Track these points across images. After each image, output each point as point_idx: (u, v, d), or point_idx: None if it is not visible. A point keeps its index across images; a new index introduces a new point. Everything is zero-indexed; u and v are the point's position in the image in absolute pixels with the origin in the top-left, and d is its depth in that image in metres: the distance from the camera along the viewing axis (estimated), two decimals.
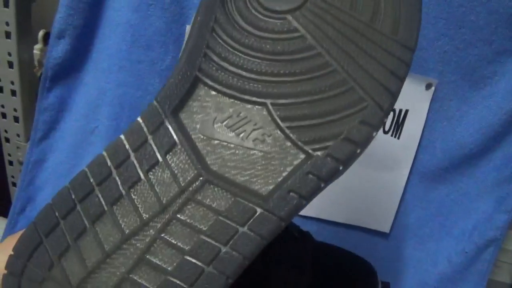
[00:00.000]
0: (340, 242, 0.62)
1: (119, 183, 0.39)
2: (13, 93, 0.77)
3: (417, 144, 0.66)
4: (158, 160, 0.38)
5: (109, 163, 0.39)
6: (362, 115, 0.37)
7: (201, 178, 0.38)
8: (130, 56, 0.64)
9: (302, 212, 0.68)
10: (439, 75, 0.63)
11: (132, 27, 0.63)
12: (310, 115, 0.37)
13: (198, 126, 0.39)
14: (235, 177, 0.38)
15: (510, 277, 0.72)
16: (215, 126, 0.39)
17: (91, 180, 0.39)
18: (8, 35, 0.73)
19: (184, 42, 0.41)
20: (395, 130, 0.65)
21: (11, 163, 0.84)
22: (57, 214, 0.39)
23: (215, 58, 0.39)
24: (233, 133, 0.38)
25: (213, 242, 0.37)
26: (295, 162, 0.38)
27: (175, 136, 0.38)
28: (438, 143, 0.65)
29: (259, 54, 0.39)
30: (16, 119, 0.79)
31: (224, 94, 0.39)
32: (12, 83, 0.76)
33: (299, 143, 0.37)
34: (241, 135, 0.38)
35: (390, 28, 0.38)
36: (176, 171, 0.38)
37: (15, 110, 0.78)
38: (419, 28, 0.39)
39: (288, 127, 0.38)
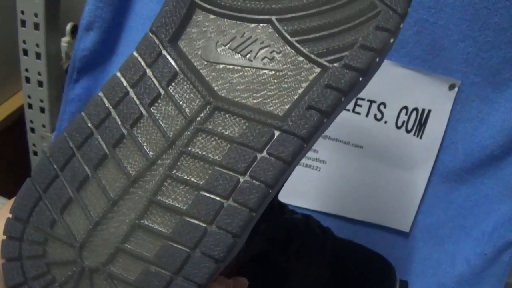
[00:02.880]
0: (359, 239, 0.62)
1: (119, 122, 0.36)
2: (40, 84, 0.78)
3: (439, 144, 0.66)
4: (160, 93, 0.36)
5: (106, 103, 0.36)
6: (377, 21, 0.35)
7: (209, 106, 0.35)
8: None
9: (322, 209, 0.69)
10: (462, 76, 0.63)
11: None
12: (320, 26, 0.35)
13: (199, 52, 0.37)
14: (246, 100, 0.36)
15: None
16: (219, 50, 0.36)
17: (89, 123, 0.36)
18: (36, 26, 0.74)
19: None
20: (417, 130, 0.65)
21: (35, 153, 0.85)
22: (55, 165, 0.36)
23: None
24: (239, 55, 0.36)
25: (230, 172, 0.34)
26: (311, 77, 0.35)
27: (175, 66, 0.36)
28: (460, 144, 0.65)
29: None
30: (42, 110, 0.80)
31: (224, 16, 0.37)
32: (39, 74, 0.77)
33: (313, 56, 0.35)
34: (248, 55, 0.36)
35: None
36: (181, 102, 0.36)
37: (41, 100, 0.79)
38: None
39: (298, 41, 0.35)
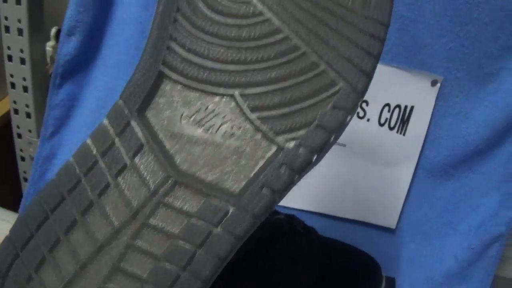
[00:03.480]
0: (345, 238, 0.62)
1: (88, 190, 0.37)
2: (25, 89, 0.78)
3: (422, 140, 0.66)
4: (126, 164, 0.36)
5: (77, 170, 0.37)
6: (335, 99, 0.35)
7: (171, 180, 0.36)
8: (139, 53, 0.65)
9: (307, 208, 0.69)
10: (445, 71, 0.63)
11: (141, 24, 0.64)
12: (280, 103, 0.36)
13: (165, 123, 0.37)
14: (205, 175, 0.36)
15: None
16: (183, 122, 0.37)
17: (61, 189, 0.37)
18: (20, 32, 0.74)
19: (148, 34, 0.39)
20: (400, 127, 0.65)
21: (23, 158, 0.85)
22: (30, 227, 0.37)
23: (179, 50, 0.37)
24: (202, 128, 0.36)
25: (186, 245, 0.35)
26: (267, 155, 0.36)
27: (142, 137, 0.36)
28: (443, 139, 0.65)
29: (225, 42, 0.37)
30: (28, 115, 0.80)
31: (190, 87, 0.37)
32: (24, 79, 0.77)
33: (270, 134, 0.36)
34: (210, 129, 0.36)
35: (361, 3, 0.36)
36: (145, 174, 0.36)
37: (27, 106, 0.79)
38: (392, 2, 0.37)
39: (258, 118, 0.36)
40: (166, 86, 0.38)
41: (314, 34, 0.36)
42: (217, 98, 0.37)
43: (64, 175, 0.37)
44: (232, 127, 0.36)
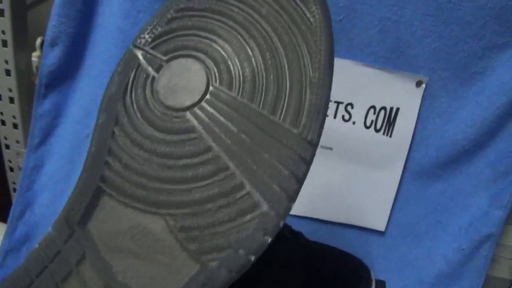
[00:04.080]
0: (335, 241, 0.62)
1: None
2: (11, 100, 0.77)
3: (409, 141, 0.65)
4: (71, 271, 0.38)
5: (27, 277, 0.39)
6: (258, 222, 0.35)
7: None
8: None
9: (295, 212, 0.69)
10: (430, 72, 0.63)
11: (122, 33, 0.64)
12: (205, 224, 0.36)
13: (104, 235, 0.38)
14: (138, 287, 0.37)
15: (510, 273, 0.72)
16: (119, 236, 0.37)
17: None
18: (4, 43, 0.74)
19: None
20: (386, 128, 0.65)
21: (11, 169, 0.85)
22: None
23: (116, 166, 0.38)
24: (136, 244, 0.37)
25: None
26: (191, 273, 0.36)
27: (84, 247, 0.38)
28: (430, 140, 0.65)
29: (158, 159, 0.37)
30: (15, 126, 0.79)
31: (125, 204, 0.38)
32: (10, 90, 0.77)
33: (195, 254, 0.36)
34: (144, 246, 0.37)
35: (292, 119, 0.36)
36: (88, 281, 0.38)
37: (13, 117, 0.79)
38: (323, 121, 0.36)
39: (185, 238, 0.36)
40: (105, 201, 0.39)
41: (244, 153, 0.36)
42: (149, 216, 0.38)
43: (16, 279, 0.40)
44: (162, 246, 0.37)
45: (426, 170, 0.66)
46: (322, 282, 0.57)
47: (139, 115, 0.38)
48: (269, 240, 0.35)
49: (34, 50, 0.83)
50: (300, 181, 0.35)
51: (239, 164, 0.36)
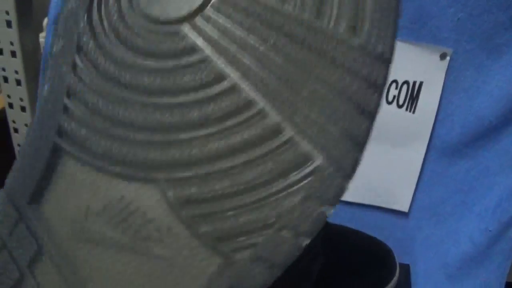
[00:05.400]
0: (357, 223, 0.60)
1: None
2: (18, 82, 0.76)
3: (433, 118, 0.63)
4: (23, 274, 0.27)
5: None
6: (309, 184, 0.24)
7: None
8: None
9: None
10: (454, 44, 0.60)
11: None
12: (225, 194, 0.24)
13: (66, 219, 0.26)
14: None
15: None
16: (90, 219, 0.26)
17: None
18: (9, 24, 0.72)
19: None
20: (409, 104, 0.63)
21: None
22: None
23: (80, 112, 0.26)
24: (116, 230, 0.26)
25: None
26: (209, 272, 0.25)
27: (36, 241, 0.27)
28: (455, 116, 0.63)
29: (144, 97, 0.25)
30: (23, 109, 0.78)
31: (98, 168, 0.26)
32: (17, 72, 0.75)
33: (211, 240, 0.25)
34: (128, 231, 0.25)
35: (348, 25, 0.24)
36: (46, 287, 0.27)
37: (21, 99, 0.77)
38: (395, 28, 0.26)
39: (192, 216, 0.25)
40: (65, 167, 0.27)
41: (277, 80, 0.24)
42: (134, 185, 0.26)
43: None
44: (158, 230, 0.25)
45: (450, 147, 0.64)
46: (344, 266, 0.55)
47: (112, 35, 0.26)
48: (329, 213, 0.25)
49: (41, 30, 0.81)
50: (371, 116, 0.24)
51: (272, 97, 0.24)
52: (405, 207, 0.67)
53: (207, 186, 0.25)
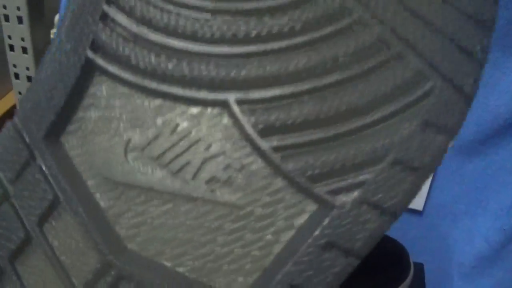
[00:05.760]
0: None
1: None
2: (29, 79, 0.76)
3: None
4: (29, 234, 0.21)
5: None
6: (426, 109, 0.20)
7: (110, 272, 0.20)
8: None
9: None
10: None
11: None
12: (318, 120, 0.19)
13: (96, 160, 0.21)
14: (174, 263, 0.20)
15: None
16: (130, 156, 0.20)
17: None
18: (20, 20, 0.72)
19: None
20: None
21: None
22: None
23: (122, 20, 0.20)
24: (167, 170, 0.20)
25: None
26: (298, 222, 0.20)
27: (51, 189, 0.21)
28: (470, 113, 0.61)
29: (207, 1, 0.19)
30: None
31: (144, 89, 0.21)
32: (28, 68, 0.75)
33: (303, 180, 0.20)
34: (184, 171, 0.20)
35: None
36: (64, 259, 0.21)
37: None
38: None
39: (275, 150, 0.20)
40: (99, 88, 0.21)
41: None
42: (195, 110, 0.20)
43: None
44: (226, 168, 0.20)
45: (465, 145, 0.63)
46: (358, 265, 0.54)
47: None
48: (451, 144, 0.22)
49: (52, 27, 0.81)
50: (487, 28, 0.21)
51: (379, 6, 0.19)
52: (419, 206, 0.66)
53: (294, 110, 0.20)
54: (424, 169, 0.20)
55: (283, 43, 0.20)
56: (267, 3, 0.20)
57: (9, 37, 0.73)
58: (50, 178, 0.21)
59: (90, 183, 0.21)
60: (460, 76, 0.21)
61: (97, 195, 0.21)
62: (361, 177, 0.20)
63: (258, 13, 0.20)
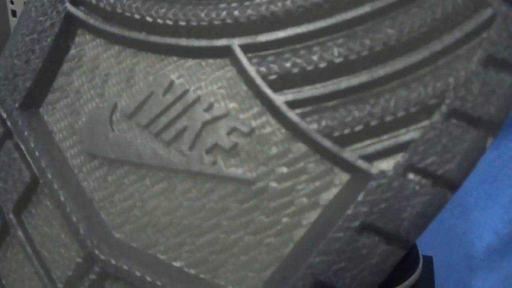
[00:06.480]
0: None
1: None
2: None
3: None
4: (6, 223, 0.19)
5: None
6: (487, 43, 0.15)
7: (93, 268, 0.17)
8: None
9: None
10: None
11: None
12: (350, 62, 0.15)
13: (79, 130, 0.18)
14: (168, 256, 0.17)
15: None
16: (117, 123, 0.17)
17: None
18: (13, 13, 0.71)
19: None
20: None
21: None
22: None
23: None
24: (161, 139, 0.16)
25: None
26: (325, 199, 0.16)
27: (29, 166, 0.18)
28: None
29: None
30: None
31: (132, 42, 0.17)
32: None
33: (330, 143, 0.15)
34: (182, 139, 0.16)
35: None
36: (47, 255, 0.18)
37: None
38: None
39: (293, 104, 0.15)
40: (82, 48, 0.18)
41: None
42: (192, 63, 0.16)
43: None
44: (230, 131, 0.16)
45: None
46: None
47: None
48: None
49: None
50: None
51: None
52: None
53: (314, 53, 0.15)
54: (489, 121, 0.16)
55: None
56: None
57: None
58: (27, 156, 0.18)
59: (72, 162, 0.18)
60: None
61: (80, 176, 0.18)
62: (406, 136, 0.16)
63: None
